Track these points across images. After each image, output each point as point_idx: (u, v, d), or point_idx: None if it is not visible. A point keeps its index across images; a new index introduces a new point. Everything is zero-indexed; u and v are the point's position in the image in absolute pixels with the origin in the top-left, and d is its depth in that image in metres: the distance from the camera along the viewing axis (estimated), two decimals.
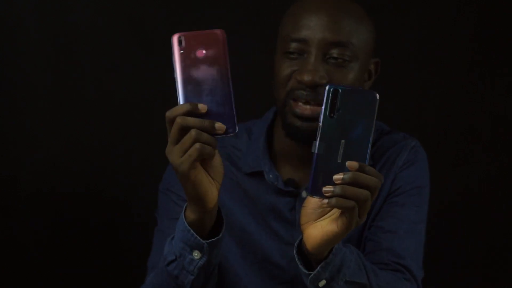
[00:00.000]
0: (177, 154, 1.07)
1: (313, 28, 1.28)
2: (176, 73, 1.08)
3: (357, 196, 1.04)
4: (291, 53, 1.29)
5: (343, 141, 1.02)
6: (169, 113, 1.07)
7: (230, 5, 2.21)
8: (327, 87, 1.03)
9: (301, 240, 1.15)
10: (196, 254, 1.16)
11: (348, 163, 1.03)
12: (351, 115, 1.02)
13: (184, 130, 1.06)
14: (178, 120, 1.05)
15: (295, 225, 1.36)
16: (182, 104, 1.07)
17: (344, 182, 1.03)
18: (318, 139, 1.02)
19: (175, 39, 1.08)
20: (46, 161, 2.22)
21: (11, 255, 2.24)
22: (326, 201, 1.04)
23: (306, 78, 1.26)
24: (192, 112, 1.06)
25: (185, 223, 1.15)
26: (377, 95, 1.02)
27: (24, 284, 2.25)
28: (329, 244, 1.08)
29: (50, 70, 2.20)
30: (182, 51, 1.07)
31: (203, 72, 1.07)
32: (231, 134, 1.07)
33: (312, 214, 1.10)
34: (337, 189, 1.03)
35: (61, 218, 2.25)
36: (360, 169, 1.03)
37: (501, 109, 2.31)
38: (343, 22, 1.29)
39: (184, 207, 1.16)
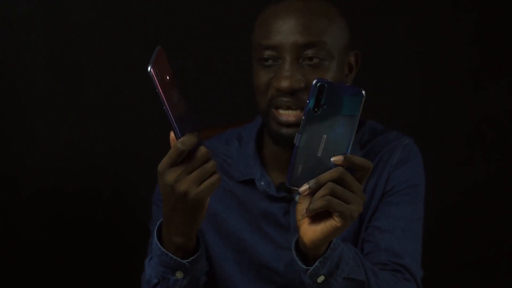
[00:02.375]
0: (194, 182, 1.05)
1: (283, 33, 1.27)
2: (166, 105, 1.07)
3: (324, 193, 1.04)
4: (265, 60, 1.28)
5: (324, 136, 1.02)
6: (181, 146, 1.05)
7: (230, 5, 2.21)
8: (314, 81, 1.02)
9: (298, 237, 1.15)
10: (179, 274, 1.16)
11: (333, 159, 1.03)
12: (335, 111, 1.02)
13: (206, 160, 1.06)
14: (203, 150, 1.05)
15: (289, 230, 1.36)
16: (190, 136, 1.05)
17: (311, 192, 1.04)
18: (300, 132, 1.02)
19: (152, 71, 1.03)
20: (46, 161, 2.22)
21: (11, 254, 2.24)
22: (304, 213, 1.05)
23: (283, 84, 1.25)
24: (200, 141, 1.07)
25: (161, 248, 1.14)
26: (363, 92, 1.02)
27: (24, 283, 2.25)
28: (327, 237, 1.07)
29: (50, 70, 2.20)
30: (161, 82, 1.04)
31: (175, 95, 1.08)
32: None
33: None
34: (312, 187, 1.03)
35: (61, 218, 2.25)
36: (345, 162, 1.03)
37: (501, 109, 2.31)
38: (313, 22, 1.28)
39: (155, 231, 1.16)
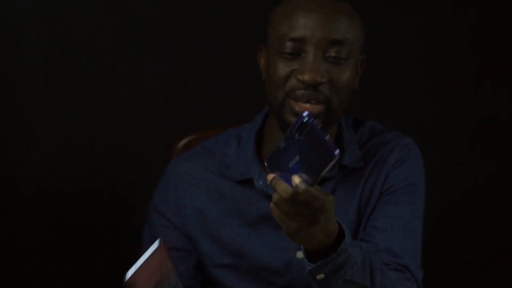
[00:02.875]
0: None
1: (311, 27, 1.27)
2: None
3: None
4: (288, 53, 1.29)
5: (297, 157, 1.04)
6: None
7: (230, 5, 2.21)
8: (305, 113, 1.03)
9: None
10: None
11: (293, 180, 1.04)
12: (307, 149, 1.03)
13: None
14: None
15: None
16: None
17: (271, 185, 1.06)
18: (283, 138, 1.05)
19: (129, 284, 1.07)
20: (46, 161, 2.22)
21: (11, 254, 2.24)
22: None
23: (308, 77, 1.26)
24: None
25: None
26: (336, 154, 1.01)
27: (24, 283, 2.25)
28: (308, 240, 1.10)
29: (50, 70, 2.20)
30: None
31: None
32: None
33: None
34: (271, 185, 1.06)
35: (61, 218, 2.25)
36: (289, 198, 1.05)
37: (501, 109, 2.31)
38: (339, 20, 1.29)
39: None
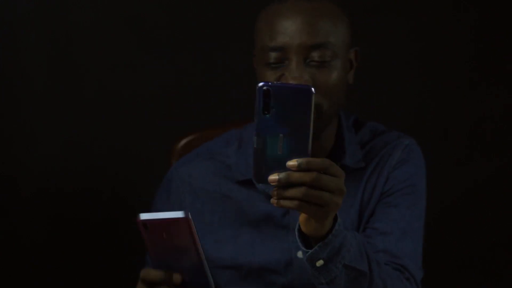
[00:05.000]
0: None
1: (289, 34, 1.26)
2: (148, 253, 1.10)
3: (295, 195, 1.03)
4: (272, 63, 1.27)
5: (281, 135, 1.02)
6: (143, 275, 1.09)
7: (230, 5, 2.21)
8: (257, 86, 1.02)
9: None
10: None
11: (288, 164, 1.03)
12: (285, 111, 1.01)
13: None
14: None
15: (289, 230, 1.35)
16: (157, 271, 1.09)
17: (280, 184, 1.03)
18: (255, 134, 1.02)
19: (140, 223, 1.06)
20: (46, 160, 2.22)
21: (11, 254, 2.24)
22: (273, 201, 1.05)
23: None
24: (166, 283, 1.08)
25: None
26: (312, 89, 1.02)
27: (24, 283, 2.25)
28: (319, 229, 1.09)
29: (50, 70, 2.20)
30: (149, 234, 1.07)
31: (174, 253, 1.08)
32: None
33: None
34: (282, 180, 1.03)
35: (61, 218, 2.25)
36: (299, 168, 1.03)
37: (501, 109, 2.31)
38: (319, 23, 1.27)
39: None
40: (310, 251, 1.12)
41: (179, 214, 1.05)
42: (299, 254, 1.33)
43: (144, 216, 1.06)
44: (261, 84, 1.02)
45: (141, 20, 2.22)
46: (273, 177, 1.03)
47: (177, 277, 1.08)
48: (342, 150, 1.36)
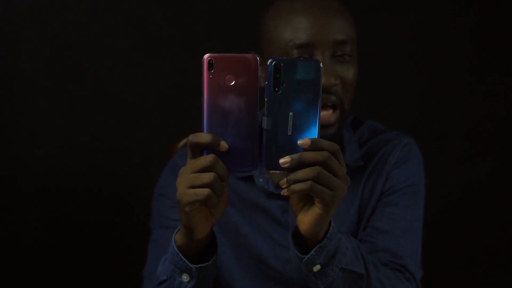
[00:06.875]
0: (186, 183, 1.04)
1: (316, 30, 1.27)
2: (204, 98, 1.03)
3: (309, 175, 1.03)
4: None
5: (290, 113, 1.03)
6: (192, 138, 1.04)
7: (230, 5, 2.21)
8: (269, 61, 1.03)
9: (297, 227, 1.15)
10: (185, 277, 1.16)
11: (300, 143, 1.03)
12: (296, 87, 1.02)
13: (206, 169, 1.03)
14: (206, 158, 1.03)
15: (288, 227, 1.35)
16: (206, 134, 1.03)
17: (292, 165, 1.03)
18: (265, 114, 1.03)
19: (205, 60, 1.02)
20: (46, 160, 2.22)
21: (11, 253, 2.24)
22: (285, 190, 1.04)
23: (324, 81, 1.25)
24: (214, 146, 1.04)
25: (174, 246, 1.14)
26: (321, 63, 1.03)
27: (24, 282, 2.25)
28: (319, 225, 1.08)
29: (50, 70, 2.20)
30: (211, 76, 1.03)
31: (231, 102, 1.04)
32: (250, 172, 1.06)
33: (299, 203, 1.10)
34: (294, 159, 1.02)
35: (61, 217, 2.25)
36: (312, 146, 1.03)
37: (501, 109, 2.31)
38: (338, 19, 1.29)
39: (177, 229, 1.16)
40: (306, 256, 1.12)
41: (248, 55, 1.03)
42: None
43: (208, 54, 1.02)
44: (272, 59, 1.02)
45: (141, 20, 2.22)
46: (285, 159, 1.03)
47: (224, 145, 1.03)
48: (341, 148, 1.36)
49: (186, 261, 1.14)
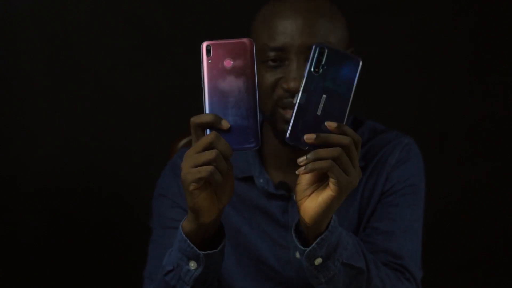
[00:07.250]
0: (190, 163, 1.06)
1: (290, 34, 1.27)
2: (204, 82, 1.09)
3: (331, 154, 1.05)
4: (271, 61, 1.28)
5: (324, 96, 1.07)
6: (194, 119, 1.08)
7: (230, 5, 2.21)
8: (314, 45, 1.08)
9: (300, 219, 1.15)
10: (193, 265, 1.16)
11: (327, 123, 1.06)
12: (334, 74, 1.08)
13: (208, 147, 1.06)
14: (208, 136, 1.06)
15: (287, 228, 1.35)
16: (207, 114, 1.07)
17: (315, 142, 1.06)
18: (301, 90, 1.07)
19: (204, 47, 1.11)
20: (46, 160, 2.22)
21: (11, 253, 2.24)
22: (302, 169, 1.06)
23: (293, 85, 1.25)
24: (215, 124, 1.07)
25: (182, 233, 1.14)
26: (361, 61, 1.08)
27: (24, 283, 2.25)
28: (325, 211, 1.09)
29: (49, 70, 2.20)
30: (210, 61, 1.10)
31: (230, 83, 1.09)
32: (254, 149, 1.09)
33: (307, 189, 1.10)
34: (320, 137, 1.05)
35: (61, 217, 2.25)
36: (337, 130, 1.06)
37: (501, 109, 2.31)
38: (318, 23, 1.28)
39: (184, 218, 1.16)
40: (308, 249, 1.12)
41: (242, 39, 1.11)
42: (297, 254, 1.33)
43: (206, 42, 1.12)
44: (316, 43, 1.08)
45: (141, 20, 2.22)
46: (311, 135, 1.06)
47: (225, 123, 1.07)
48: None
49: (194, 247, 1.14)
